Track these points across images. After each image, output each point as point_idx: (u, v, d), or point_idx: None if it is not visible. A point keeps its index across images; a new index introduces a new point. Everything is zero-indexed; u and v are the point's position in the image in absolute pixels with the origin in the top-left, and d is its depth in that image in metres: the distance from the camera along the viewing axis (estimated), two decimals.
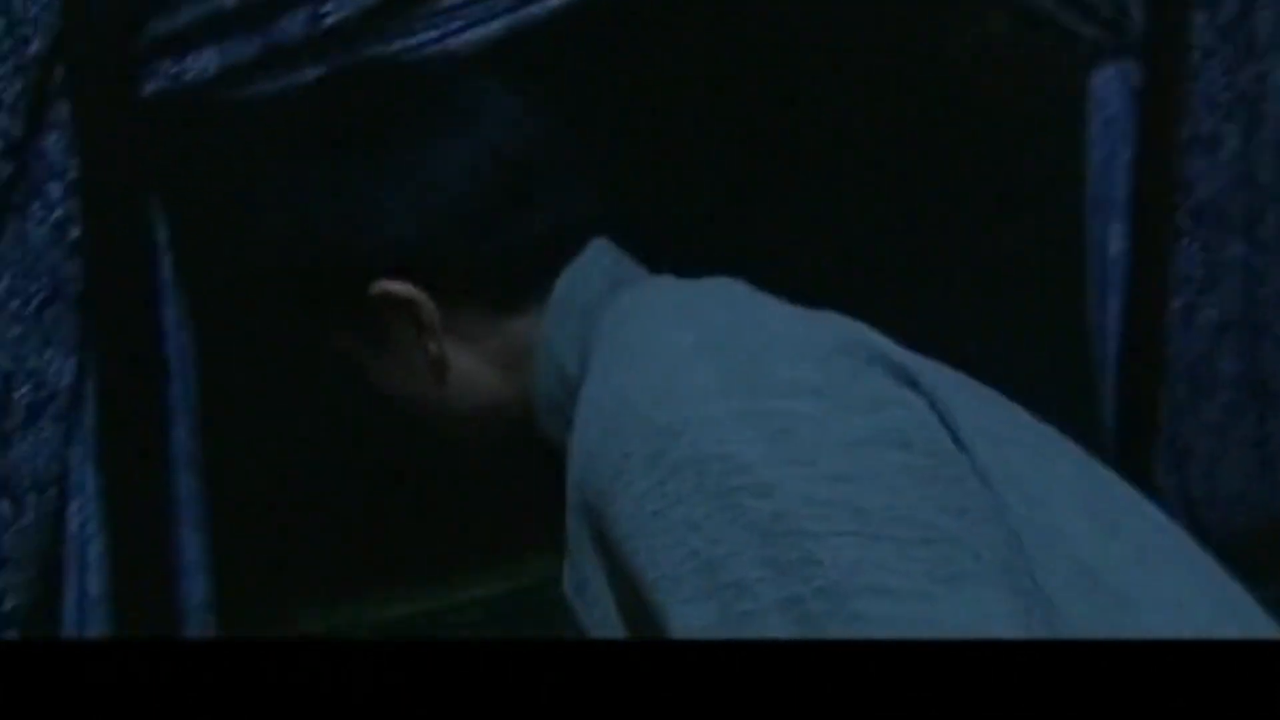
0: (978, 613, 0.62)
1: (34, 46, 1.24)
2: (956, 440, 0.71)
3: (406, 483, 1.62)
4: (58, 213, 1.29)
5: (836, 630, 0.61)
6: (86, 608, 1.30)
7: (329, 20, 1.33)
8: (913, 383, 0.72)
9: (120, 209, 1.32)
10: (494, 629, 1.86)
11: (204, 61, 1.32)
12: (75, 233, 1.29)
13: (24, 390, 1.28)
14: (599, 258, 0.89)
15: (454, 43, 1.37)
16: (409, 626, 1.83)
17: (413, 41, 1.37)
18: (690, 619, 0.65)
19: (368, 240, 0.86)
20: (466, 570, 1.88)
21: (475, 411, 0.90)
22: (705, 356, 0.71)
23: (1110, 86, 1.80)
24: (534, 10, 1.41)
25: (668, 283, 0.86)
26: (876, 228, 2.08)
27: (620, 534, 0.69)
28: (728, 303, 0.79)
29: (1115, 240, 1.83)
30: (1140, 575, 0.74)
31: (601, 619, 0.79)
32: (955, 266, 2.16)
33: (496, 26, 1.40)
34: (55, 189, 1.28)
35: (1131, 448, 1.91)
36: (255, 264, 0.94)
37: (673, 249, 0.96)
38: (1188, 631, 0.72)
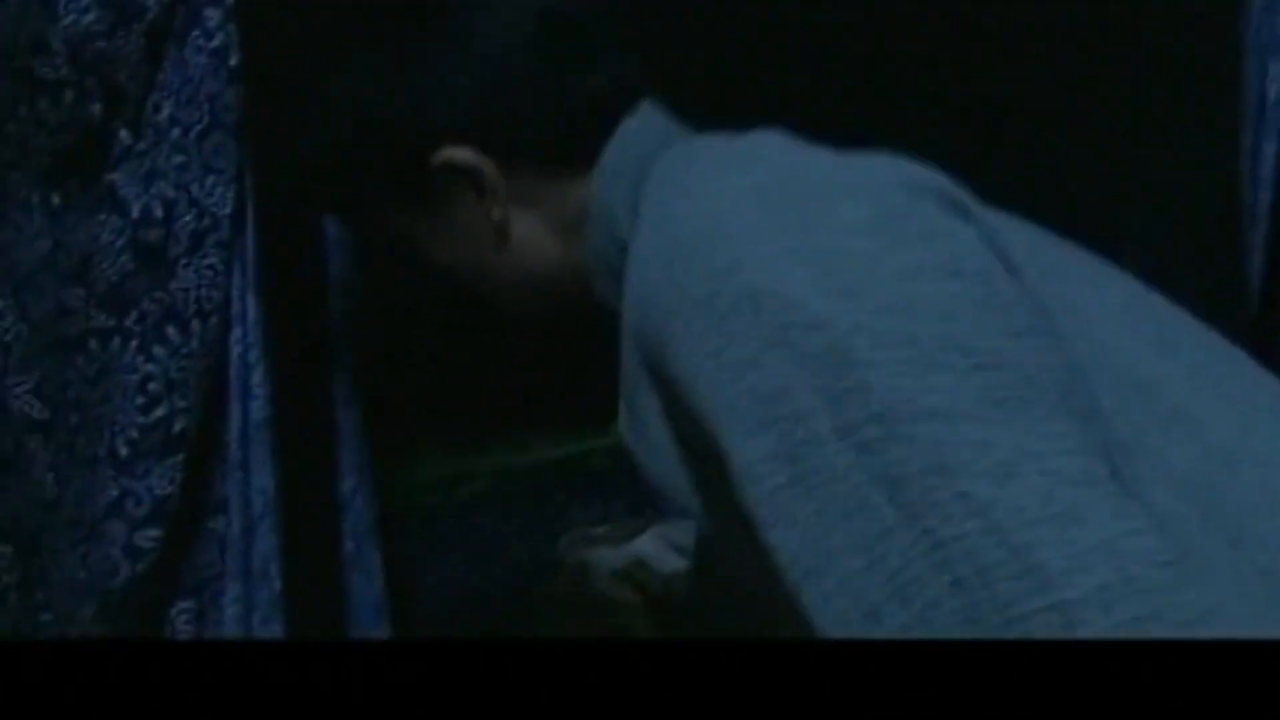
0: (1032, 435, 0.62)
1: None
2: (1010, 270, 0.71)
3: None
4: (216, 40, 1.29)
5: (896, 454, 0.62)
6: (250, 432, 1.33)
7: None
8: (965, 214, 0.73)
9: (277, 30, 1.32)
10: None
11: None
12: (234, 60, 1.30)
13: (187, 218, 1.30)
14: (649, 119, 0.91)
15: None
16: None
17: None
18: (749, 451, 0.66)
19: (428, 110, 0.89)
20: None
21: (535, 280, 0.92)
22: (759, 198, 0.72)
23: None
24: None
25: (717, 137, 0.87)
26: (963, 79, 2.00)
27: (678, 373, 0.70)
28: (780, 148, 0.79)
29: (1275, 83, 1.76)
30: (1213, 403, 0.73)
31: (659, 462, 0.81)
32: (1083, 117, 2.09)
33: None
34: (213, 15, 1.28)
35: (1277, 302, 1.86)
36: (317, 143, 0.95)
37: (720, 112, 0.95)
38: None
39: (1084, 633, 0.57)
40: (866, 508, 0.62)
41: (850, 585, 0.62)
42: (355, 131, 0.92)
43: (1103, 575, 0.58)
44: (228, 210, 1.31)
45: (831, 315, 0.65)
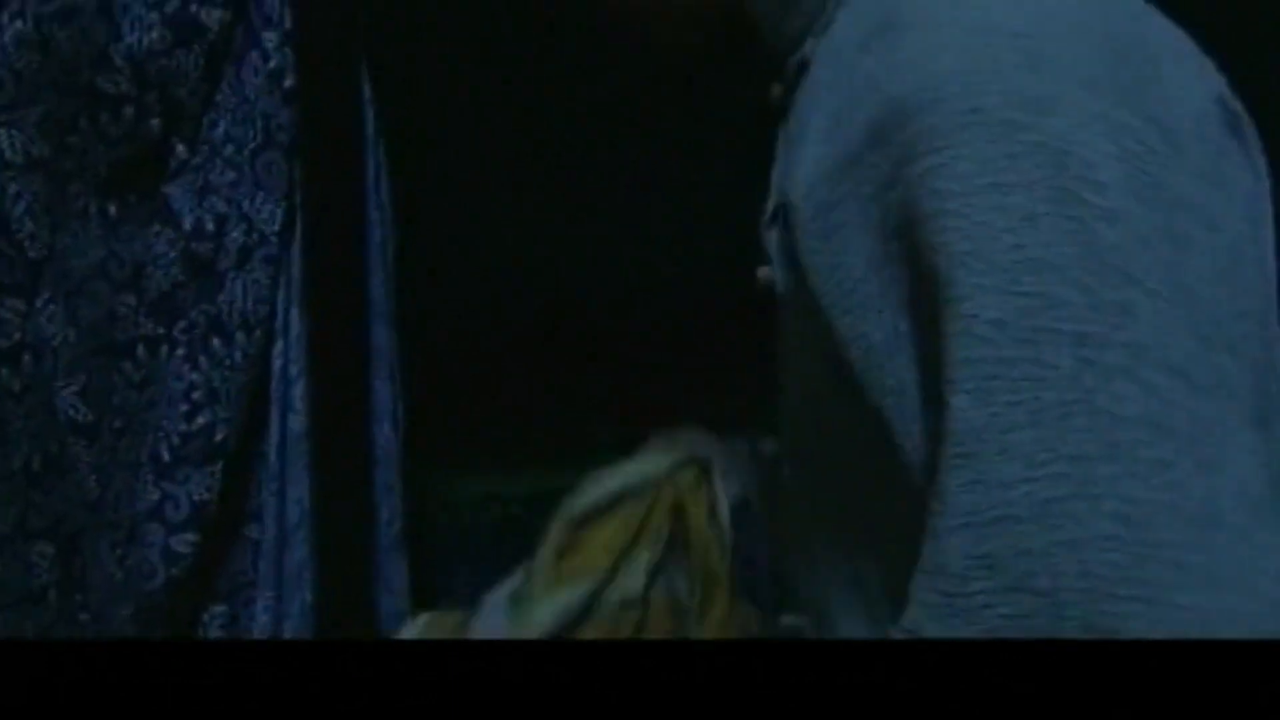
0: (1241, 444, 0.60)
1: None
2: None
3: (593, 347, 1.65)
4: (273, 62, 1.33)
5: (1114, 390, 0.59)
6: (289, 444, 1.36)
7: None
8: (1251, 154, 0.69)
9: (332, 62, 1.36)
10: None
11: None
12: (289, 82, 1.34)
13: (236, 233, 1.34)
14: None
15: None
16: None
17: None
18: (983, 307, 0.61)
19: None
20: None
21: None
22: (1092, 42, 0.65)
23: None
24: None
25: None
26: None
27: (940, 187, 0.63)
28: None
29: None
30: None
31: (832, 268, 0.71)
32: None
33: None
34: (271, 38, 1.32)
35: None
36: None
37: None
38: None
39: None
40: (1071, 432, 0.59)
41: (1004, 492, 0.59)
42: None
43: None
44: (276, 227, 1.35)
45: (1127, 214, 0.61)
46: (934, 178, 0.63)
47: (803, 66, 0.79)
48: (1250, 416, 0.62)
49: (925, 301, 0.64)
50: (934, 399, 0.63)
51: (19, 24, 1.21)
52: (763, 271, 0.80)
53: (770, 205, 0.80)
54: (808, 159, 0.72)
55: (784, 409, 0.82)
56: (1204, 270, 0.63)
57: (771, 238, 0.78)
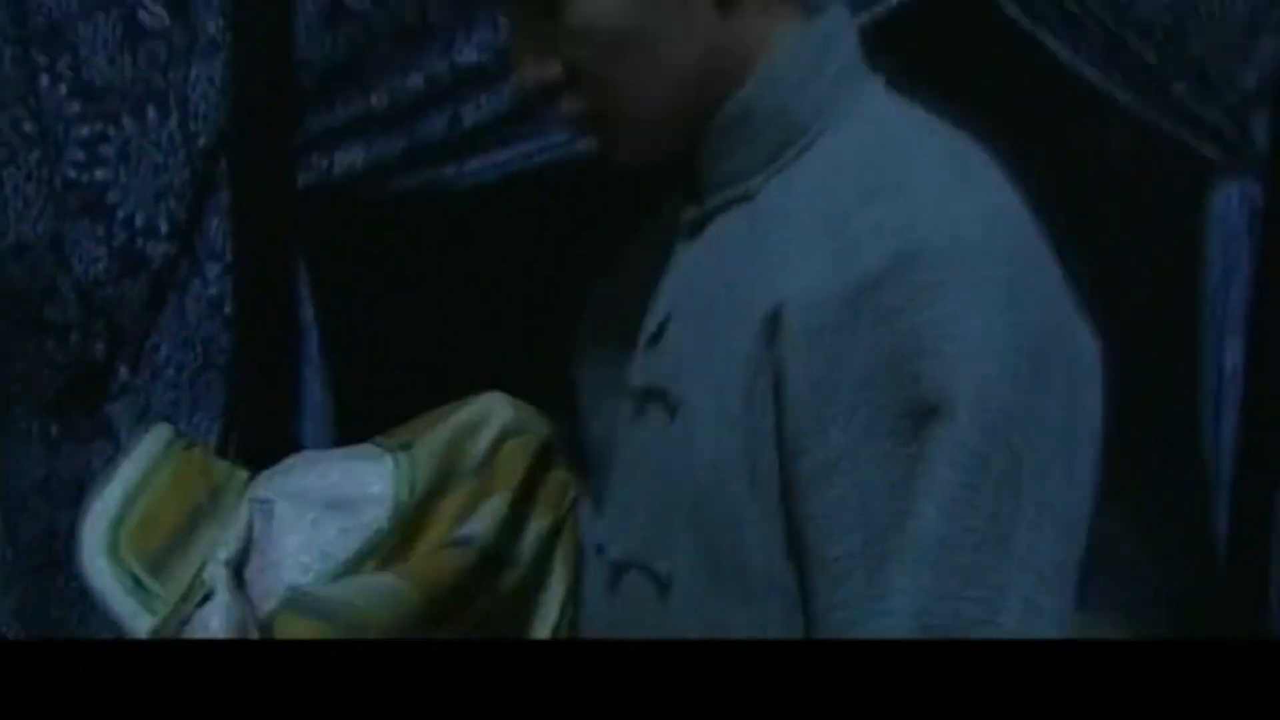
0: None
1: (202, 141, 1.37)
2: None
3: None
4: (213, 290, 1.41)
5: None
6: None
7: (466, 122, 1.44)
8: None
9: (270, 288, 1.44)
10: None
11: (352, 157, 1.43)
12: (229, 309, 1.41)
13: None
14: (846, 27, 0.91)
15: (583, 145, 1.46)
16: None
17: (545, 142, 1.47)
18: (970, 445, 0.77)
19: None
20: None
21: (667, 69, 0.87)
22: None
23: (1229, 205, 1.82)
24: None
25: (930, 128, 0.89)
26: None
27: (951, 332, 0.77)
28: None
29: (1231, 355, 1.83)
30: None
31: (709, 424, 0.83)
32: None
33: None
34: (213, 268, 1.41)
35: (1244, 569, 1.90)
36: None
37: None
38: None
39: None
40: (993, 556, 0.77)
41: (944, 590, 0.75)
42: None
43: None
44: (212, 445, 1.41)
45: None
46: (948, 324, 0.76)
47: (743, 198, 0.89)
48: None
49: (902, 423, 0.76)
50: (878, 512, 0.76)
51: None
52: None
53: (660, 315, 0.90)
54: (800, 281, 0.81)
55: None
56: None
57: (673, 345, 0.88)
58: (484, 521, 0.89)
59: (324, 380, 1.49)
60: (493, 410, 0.96)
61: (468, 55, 1.42)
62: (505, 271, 1.57)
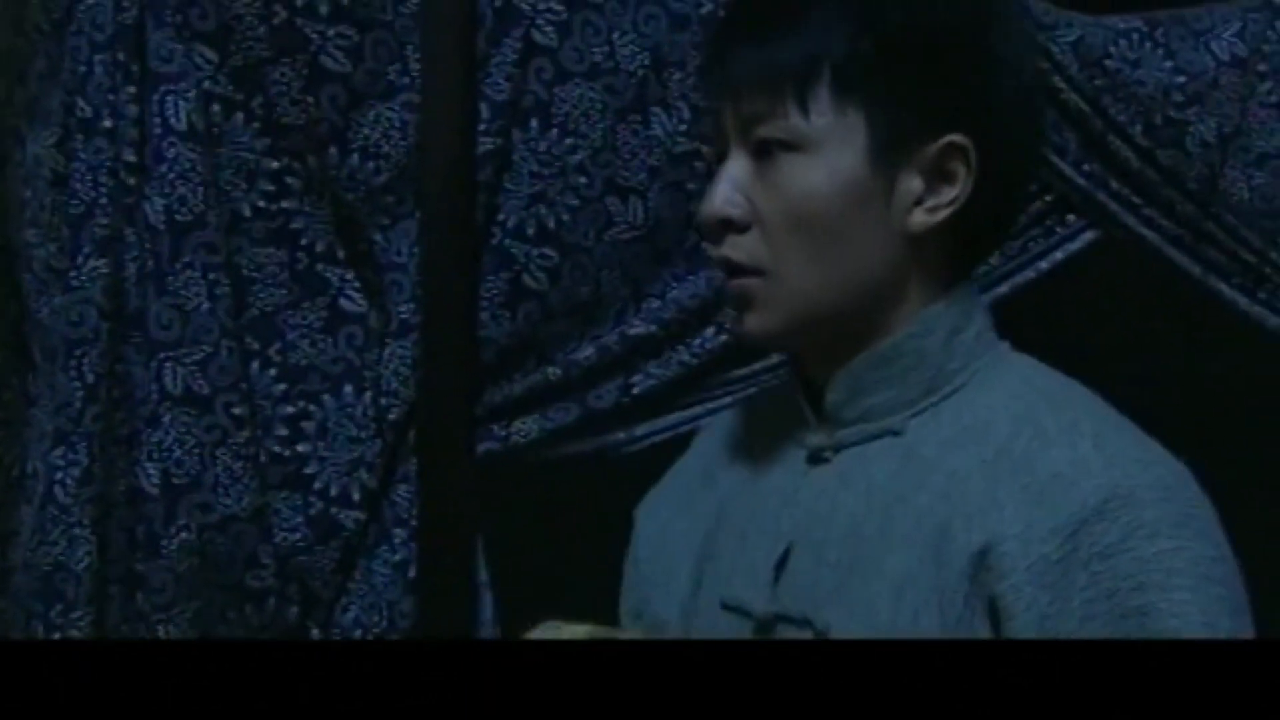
0: None
1: (392, 415, 1.47)
2: None
3: None
4: (399, 555, 1.48)
5: None
6: None
7: (636, 391, 1.52)
8: None
9: (451, 552, 1.51)
10: None
11: (529, 426, 1.52)
12: (412, 573, 1.48)
13: None
14: (979, 297, 1.02)
15: None
16: None
17: (710, 406, 1.54)
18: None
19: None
20: None
21: (845, 264, 0.93)
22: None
23: None
24: None
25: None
26: None
27: (1173, 565, 0.86)
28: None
29: None
30: None
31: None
32: None
33: None
34: (400, 534, 1.48)
35: None
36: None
37: None
38: None
39: None
40: None
41: None
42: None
43: None
44: None
45: None
46: (1170, 558, 0.85)
47: (887, 433, 0.95)
48: None
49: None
50: None
51: (184, 534, 1.39)
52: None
53: (782, 543, 0.95)
54: (1006, 519, 0.88)
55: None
56: None
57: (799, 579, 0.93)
58: None
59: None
60: None
61: (638, 327, 1.51)
62: None
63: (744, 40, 0.96)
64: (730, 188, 0.95)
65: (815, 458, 0.99)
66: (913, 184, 0.94)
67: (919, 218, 0.94)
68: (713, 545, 1.02)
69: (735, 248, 0.96)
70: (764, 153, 0.94)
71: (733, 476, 1.06)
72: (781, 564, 0.96)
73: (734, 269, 0.97)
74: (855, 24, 0.92)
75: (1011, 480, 0.89)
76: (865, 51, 0.92)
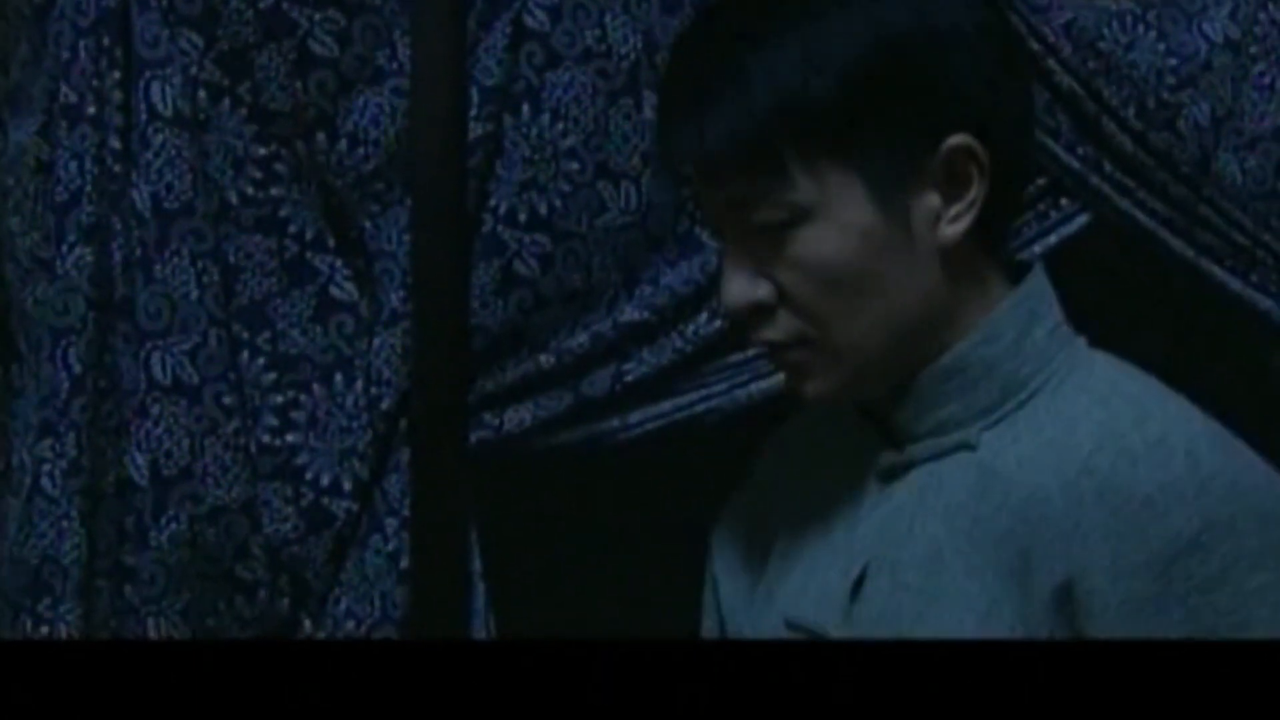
0: None
1: (384, 404, 1.45)
2: None
3: None
4: (391, 545, 1.47)
5: None
6: None
7: (629, 378, 1.51)
8: None
9: (443, 541, 1.50)
10: None
11: (521, 414, 1.50)
12: (404, 563, 1.47)
13: None
14: (1049, 289, 0.96)
15: (741, 394, 1.52)
16: None
17: (705, 393, 1.53)
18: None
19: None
20: None
21: (888, 312, 0.89)
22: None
23: None
24: None
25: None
26: None
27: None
28: None
29: None
30: None
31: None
32: None
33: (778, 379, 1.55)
34: (392, 524, 1.47)
35: None
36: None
37: None
38: None
39: None
40: None
41: None
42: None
43: None
44: None
45: None
46: (1275, 591, 0.80)
47: (961, 447, 0.90)
48: None
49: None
50: None
51: (173, 526, 1.37)
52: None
53: (858, 564, 0.92)
54: (1093, 548, 0.83)
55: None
56: None
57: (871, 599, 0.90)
58: None
59: (489, 633, 1.53)
60: None
61: (630, 314, 1.49)
62: (671, 518, 1.60)
63: (688, 116, 0.89)
64: (744, 277, 0.91)
65: (887, 475, 0.95)
66: (929, 201, 0.90)
67: (946, 231, 0.90)
68: (783, 564, 0.99)
69: (772, 328, 0.93)
70: (766, 231, 0.90)
71: (799, 496, 1.03)
72: (858, 584, 0.92)
73: (777, 347, 0.94)
74: (803, 68, 0.86)
75: (1097, 505, 0.84)
76: (826, 93, 0.86)
